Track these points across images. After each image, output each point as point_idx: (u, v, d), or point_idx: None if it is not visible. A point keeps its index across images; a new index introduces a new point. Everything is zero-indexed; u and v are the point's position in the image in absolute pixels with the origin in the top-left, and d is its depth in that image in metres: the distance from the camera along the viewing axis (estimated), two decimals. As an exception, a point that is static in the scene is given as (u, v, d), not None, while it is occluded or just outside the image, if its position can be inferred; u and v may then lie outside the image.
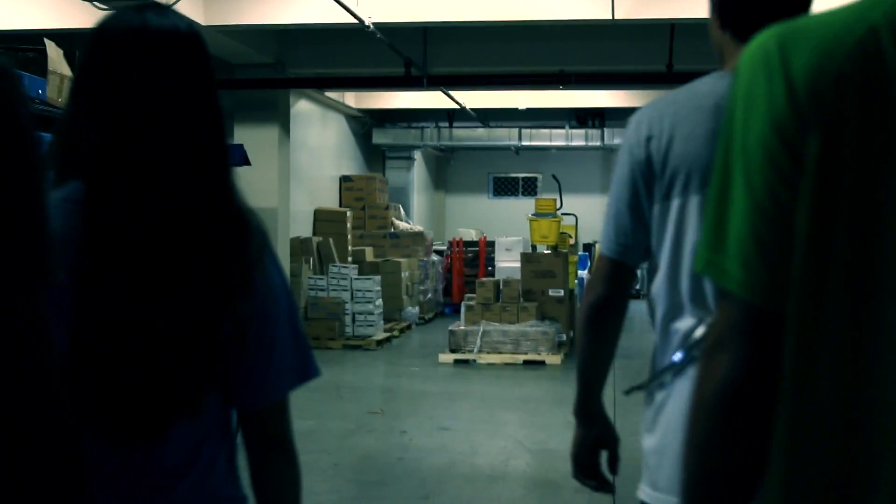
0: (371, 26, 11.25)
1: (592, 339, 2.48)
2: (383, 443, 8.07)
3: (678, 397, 2.26)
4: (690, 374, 2.22)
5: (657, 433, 2.33)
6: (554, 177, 16.58)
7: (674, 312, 2.29)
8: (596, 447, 2.64)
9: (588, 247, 21.92)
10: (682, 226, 2.24)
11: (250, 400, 1.86)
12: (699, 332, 2.21)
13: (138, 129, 1.70)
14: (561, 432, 8.51)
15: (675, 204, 2.25)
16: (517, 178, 27.11)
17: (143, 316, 1.67)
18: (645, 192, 2.30)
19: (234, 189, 1.81)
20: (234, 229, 1.77)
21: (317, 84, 14.84)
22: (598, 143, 20.62)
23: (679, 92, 2.31)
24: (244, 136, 13.64)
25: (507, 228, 23.11)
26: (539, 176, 26.69)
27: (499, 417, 9.24)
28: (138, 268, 1.67)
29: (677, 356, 2.27)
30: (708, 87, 2.26)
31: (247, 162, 12.69)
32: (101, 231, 1.67)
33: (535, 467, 7.37)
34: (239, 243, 1.76)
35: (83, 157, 1.71)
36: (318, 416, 9.27)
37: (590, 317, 2.43)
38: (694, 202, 2.21)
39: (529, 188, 26.95)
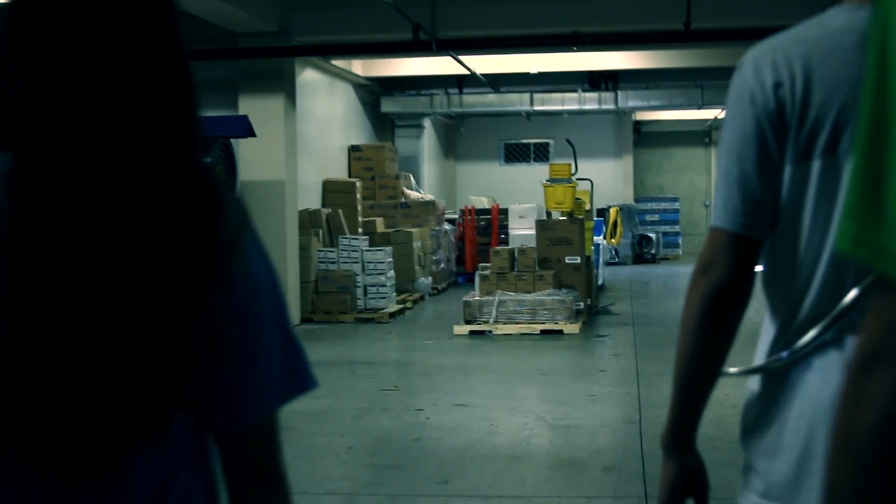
0: (377, -11, 10.89)
1: (710, 338, 1.95)
2: (399, 422, 7.75)
3: (804, 390, 1.88)
4: (827, 361, 1.87)
5: (770, 431, 1.95)
6: (568, 141, 16.16)
7: (797, 302, 1.92)
8: (688, 488, 2.14)
9: (602, 212, 21.55)
10: (826, 192, 1.86)
11: (230, 420, 1.49)
12: (850, 297, 1.81)
13: (75, 83, 1.32)
14: (583, 406, 8.20)
15: (816, 166, 1.85)
16: (529, 143, 26.74)
17: (89, 317, 1.29)
18: (776, 149, 1.89)
19: (202, 158, 1.44)
20: (202, 206, 1.40)
21: (322, 51, 14.44)
22: (612, 107, 20.20)
23: (804, 28, 1.92)
24: (249, 107, 13.29)
25: (519, 195, 22.78)
26: (551, 141, 26.32)
27: (518, 392, 8.90)
28: (80, 256, 1.30)
29: (808, 336, 1.88)
30: (842, 22, 1.86)
31: (252, 133, 12.36)
32: (31, 211, 1.31)
33: (559, 445, 7.04)
34: (209, 223, 1.39)
35: (11, 121, 1.34)
36: (331, 394, 8.96)
37: (710, 306, 1.91)
38: (843, 163, 1.83)
39: (541, 154, 26.59)
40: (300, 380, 1.57)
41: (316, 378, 1.58)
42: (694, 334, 1.96)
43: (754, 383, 2.02)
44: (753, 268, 1.94)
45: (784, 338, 1.93)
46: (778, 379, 1.94)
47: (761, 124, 1.88)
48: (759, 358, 1.99)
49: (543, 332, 12.26)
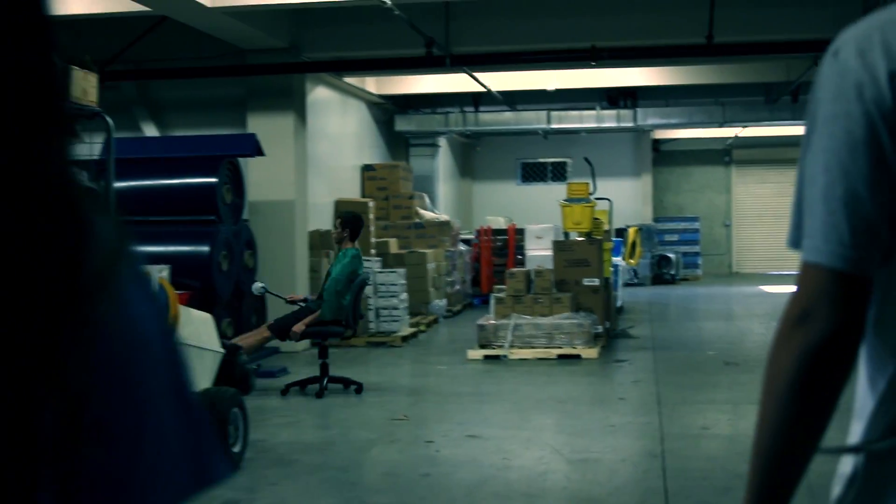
0: (389, 3, 10.55)
1: (807, 409, 1.52)
2: (407, 455, 7.32)
3: None
4: None
5: None
6: (587, 159, 15.74)
7: None
8: None
9: (620, 232, 21.12)
10: None
11: None
12: None
13: None
14: (602, 438, 7.77)
15: None
16: (546, 163, 26.37)
17: None
18: (895, 157, 1.44)
19: (63, 163, 1.01)
20: (56, 227, 0.97)
21: (333, 67, 14.09)
22: (631, 124, 19.79)
23: None
24: (258, 125, 12.96)
25: (536, 215, 22.36)
26: (568, 160, 25.94)
27: (533, 421, 8.47)
28: None
29: None
30: None
31: (261, 152, 12.04)
32: None
33: (577, 482, 6.60)
34: (66, 251, 0.97)
35: None
36: (339, 423, 8.57)
37: (808, 369, 1.49)
38: None
39: (559, 173, 26.22)
40: (206, 469, 1.11)
41: (230, 464, 1.15)
42: (786, 404, 1.52)
43: (848, 464, 1.59)
44: (864, 316, 1.49)
45: (893, 409, 1.51)
46: (884, 464, 1.52)
47: (874, 126, 1.44)
48: (857, 431, 1.57)
49: (560, 356, 11.84)
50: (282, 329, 10.10)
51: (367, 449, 7.55)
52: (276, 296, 10.94)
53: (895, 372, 1.50)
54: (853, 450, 1.55)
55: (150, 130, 13.90)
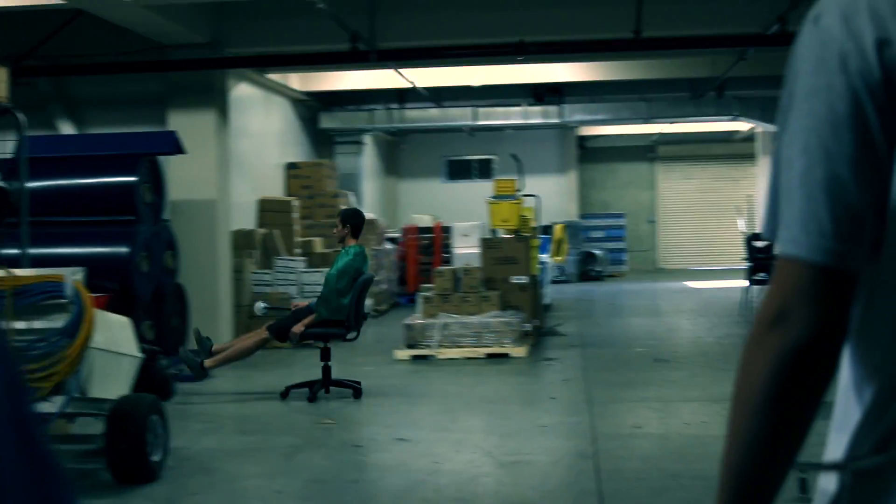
0: (312, -4, 10.31)
1: (783, 419, 1.36)
2: (335, 461, 7.11)
3: None
4: None
5: None
6: (514, 156, 15.64)
7: None
8: None
9: (547, 229, 21.04)
10: None
11: None
12: None
13: None
14: (533, 439, 7.64)
15: None
16: (471, 160, 26.26)
17: None
18: (882, 137, 1.28)
19: None
20: None
21: (256, 63, 13.79)
22: (557, 121, 19.70)
23: None
24: (178, 122, 12.64)
25: (462, 213, 22.32)
26: (494, 157, 25.85)
27: (463, 423, 8.30)
28: None
29: None
30: None
31: (181, 150, 11.74)
32: None
33: (509, 486, 6.44)
34: None
35: None
36: (263, 429, 8.32)
37: (786, 375, 1.32)
38: None
39: (484, 171, 26.11)
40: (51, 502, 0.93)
41: (76, 498, 0.95)
42: (759, 415, 1.35)
43: (831, 482, 1.42)
44: (848, 316, 1.33)
45: (883, 421, 1.35)
46: (874, 482, 1.36)
47: (859, 101, 1.28)
48: (840, 445, 1.41)
49: (489, 355, 11.69)
50: (281, 330, 9.80)
51: (294, 455, 7.32)
52: (281, 309, 10.80)
53: (886, 379, 1.34)
54: (837, 467, 1.39)
55: (67, 128, 13.50)
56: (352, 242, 9.84)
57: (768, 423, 1.35)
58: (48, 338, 6.35)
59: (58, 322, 6.45)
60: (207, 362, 9.81)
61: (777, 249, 1.36)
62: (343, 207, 11.01)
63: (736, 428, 1.39)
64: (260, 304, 10.97)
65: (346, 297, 9.52)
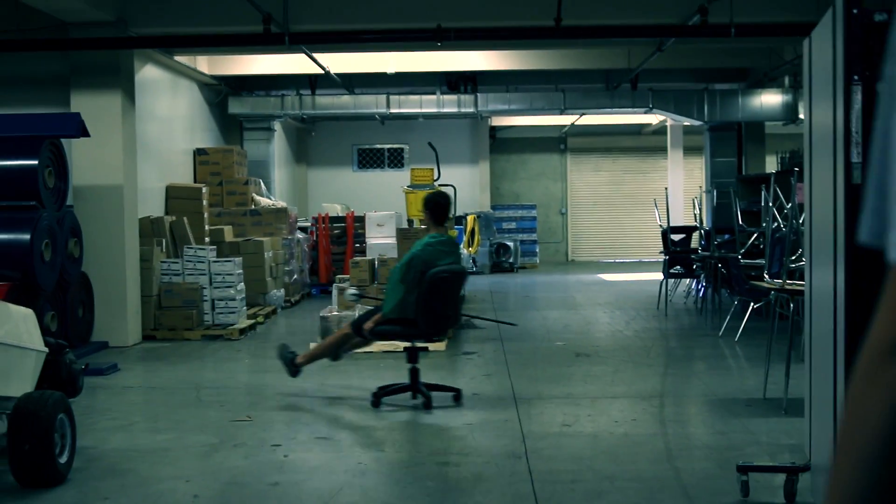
0: (225, -26, 9.87)
1: None
2: (253, 461, 6.73)
3: None
4: None
5: None
6: (430, 145, 15.34)
7: None
8: None
9: (459, 220, 20.78)
10: None
11: None
12: None
13: None
14: (460, 438, 7.33)
15: None
16: (383, 149, 25.91)
17: None
18: None
19: None
20: None
21: (163, 43, 13.25)
22: (472, 110, 19.41)
23: None
24: (82, 104, 12.11)
25: (373, 202, 22.06)
26: (406, 147, 25.55)
27: (386, 420, 7.96)
28: None
29: None
30: None
31: (85, 133, 11.24)
32: None
33: (440, 488, 6.13)
34: None
35: None
36: (175, 427, 7.90)
37: None
38: None
39: (396, 160, 25.79)
40: None
41: None
42: (877, 466, 1.04)
43: None
44: None
45: None
46: None
47: None
48: None
49: (407, 349, 11.34)
50: (357, 327, 8.81)
51: (209, 455, 6.93)
52: (372, 298, 10.32)
53: None
54: None
55: (-36, 109, 12.87)
56: (433, 231, 8.81)
57: (888, 477, 1.05)
58: (-56, 332, 5.89)
59: (-46, 315, 5.99)
60: (299, 358, 9.08)
61: (890, 256, 1.06)
62: (428, 193, 9.42)
63: (844, 484, 1.08)
64: (350, 291, 10.40)
65: (412, 293, 8.40)
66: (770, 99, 19.01)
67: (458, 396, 8.62)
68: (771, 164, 22.81)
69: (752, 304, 12.05)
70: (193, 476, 6.37)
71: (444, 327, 8.84)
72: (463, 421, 7.89)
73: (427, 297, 8.33)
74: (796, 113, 18.82)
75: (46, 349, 6.91)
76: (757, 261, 12.52)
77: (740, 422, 7.71)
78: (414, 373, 8.59)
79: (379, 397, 8.46)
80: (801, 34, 6.12)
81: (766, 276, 9.16)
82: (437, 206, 8.85)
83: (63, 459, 6.20)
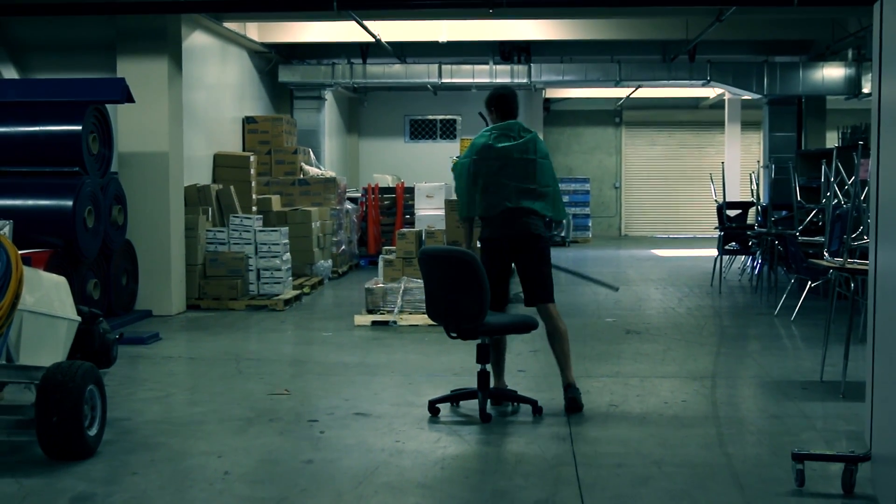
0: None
1: None
2: (288, 438, 6.53)
3: None
4: None
5: None
6: (482, 114, 14.85)
7: None
8: None
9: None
10: None
11: None
12: None
13: None
14: (498, 412, 7.08)
15: None
16: (435, 119, 25.60)
17: None
18: None
19: None
20: None
21: (211, 8, 13.03)
22: (525, 80, 19.05)
23: None
24: (127, 69, 11.95)
25: (425, 174, 21.80)
26: (458, 118, 25.22)
27: (427, 396, 7.70)
28: None
29: None
30: None
31: (130, 99, 11.08)
32: None
33: (479, 470, 5.89)
34: None
35: None
36: (212, 399, 7.73)
37: None
38: None
39: (448, 131, 25.47)
40: None
41: None
42: None
43: None
44: None
45: None
46: None
47: None
48: None
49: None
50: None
51: (244, 430, 6.73)
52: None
53: None
54: None
55: (9, 73, 12.73)
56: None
57: None
58: (-30, 299, 5.73)
59: (-19, 281, 5.83)
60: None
61: None
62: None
63: None
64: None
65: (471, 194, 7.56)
66: (832, 72, 18.49)
67: (537, 409, 7.13)
68: (831, 140, 22.27)
69: (809, 282, 11.68)
70: (226, 451, 6.17)
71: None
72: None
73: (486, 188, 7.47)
74: (859, 87, 18.31)
75: (79, 318, 6.75)
76: (815, 238, 12.14)
77: (795, 405, 7.39)
78: (483, 379, 7.09)
79: (435, 403, 7.20)
80: (867, 3, 5.78)
81: (826, 254, 8.80)
82: (503, 99, 7.76)
83: (92, 432, 6.02)
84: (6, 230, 6.04)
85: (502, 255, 7.53)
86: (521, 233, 7.50)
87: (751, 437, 6.58)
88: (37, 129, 10.74)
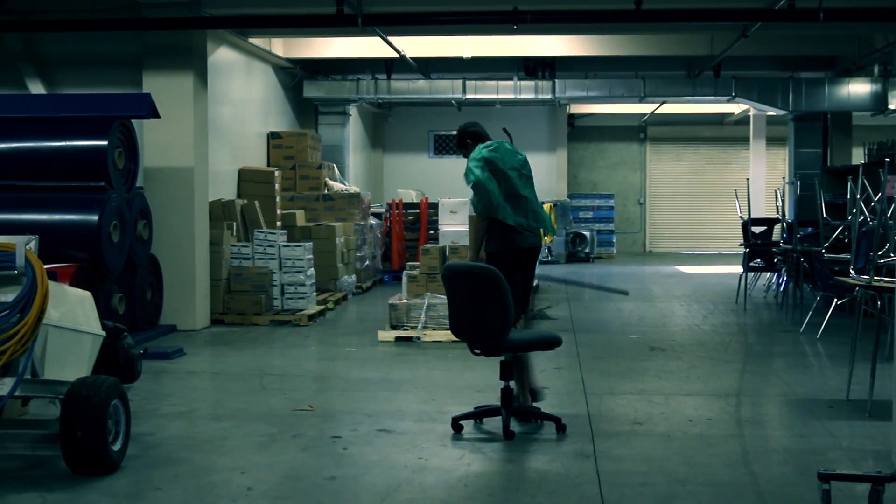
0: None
1: None
2: (312, 454, 6.52)
3: None
4: None
5: None
6: (505, 130, 14.91)
7: None
8: None
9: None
10: None
11: None
12: None
13: None
14: (522, 430, 7.05)
15: None
16: (459, 135, 25.59)
17: None
18: None
19: None
20: None
21: (236, 24, 13.10)
22: (550, 96, 19.06)
23: None
24: (153, 84, 12.01)
25: (449, 189, 21.78)
26: (482, 133, 25.19)
27: (451, 413, 7.69)
28: None
29: None
30: None
31: (156, 114, 11.14)
32: None
33: (503, 487, 5.87)
34: None
35: None
36: (235, 414, 7.73)
37: None
38: None
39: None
40: None
41: None
42: None
43: None
44: None
45: None
46: None
47: None
48: None
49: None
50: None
51: (267, 446, 6.73)
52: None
53: None
54: None
55: (37, 88, 12.83)
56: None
57: None
58: (-4, 313, 5.76)
59: (8, 296, 5.85)
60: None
61: None
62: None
63: None
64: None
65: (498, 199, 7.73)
66: (858, 88, 18.41)
67: (561, 427, 7.10)
68: (857, 156, 22.15)
69: (835, 300, 11.60)
70: (249, 468, 6.17)
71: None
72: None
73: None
74: (886, 103, 18.21)
75: (103, 333, 6.77)
76: (841, 255, 12.07)
77: (821, 424, 7.34)
78: (507, 395, 7.06)
79: (458, 420, 7.14)
80: (894, 19, 5.75)
81: (852, 272, 8.75)
82: (476, 130, 8.33)
83: (116, 447, 6.04)
84: (32, 245, 6.07)
85: (521, 268, 7.71)
86: (536, 245, 7.86)
87: (776, 455, 6.54)
88: (63, 143, 10.80)
